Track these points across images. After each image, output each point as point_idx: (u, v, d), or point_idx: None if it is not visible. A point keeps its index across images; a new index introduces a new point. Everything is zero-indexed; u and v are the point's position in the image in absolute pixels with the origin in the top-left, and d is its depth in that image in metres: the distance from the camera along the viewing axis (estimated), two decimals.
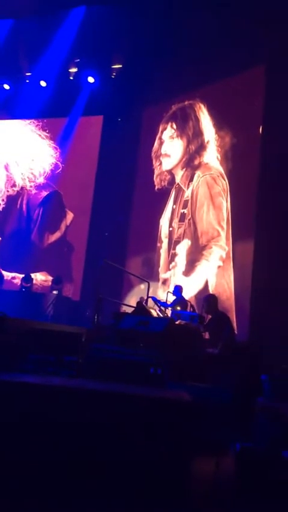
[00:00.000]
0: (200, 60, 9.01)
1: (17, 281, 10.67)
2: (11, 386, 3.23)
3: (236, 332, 6.68)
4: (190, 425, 2.90)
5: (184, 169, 9.96)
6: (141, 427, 2.95)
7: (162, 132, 10.55)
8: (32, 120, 12.02)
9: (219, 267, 8.73)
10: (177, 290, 7.27)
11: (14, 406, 3.05)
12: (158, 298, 7.22)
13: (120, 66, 10.44)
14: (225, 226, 8.84)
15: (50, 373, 4.08)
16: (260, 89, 8.53)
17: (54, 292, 9.05)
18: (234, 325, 7.03)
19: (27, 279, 10.18)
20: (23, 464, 2.80)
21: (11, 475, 2.74)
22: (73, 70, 10.84)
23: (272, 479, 3.07)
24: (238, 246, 8.55)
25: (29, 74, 11.10)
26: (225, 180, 9.08)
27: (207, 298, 5.58)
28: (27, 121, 12.08)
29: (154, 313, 5.66)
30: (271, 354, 5.75)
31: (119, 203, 10.80)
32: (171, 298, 7.25)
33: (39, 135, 11.99)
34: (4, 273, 10.51)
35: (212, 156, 9.43)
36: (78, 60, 10.61)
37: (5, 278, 10.48)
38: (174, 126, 10.36)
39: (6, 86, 11.43)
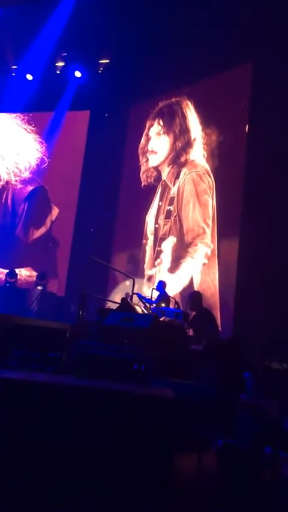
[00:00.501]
0: (187, 57, 9.01)
1: (1, 276, 10.57)
2: None
3: (220, 329, 6.73)
4: (173, 422, 2.91)
5: (170, 166, 9.96)
6: (124, 423, 2.95)
7: (149, 129, 10.54)
8: (18, 114, 11.88)
9: (204, 264, 8.78)
10: (161, 286, 7.28)
11: None
12: (143, 295, 7.23)
13: (108, 61, 10.38)
14: (210, 223, 8.88)
15: (34, 369, 4.05)
16: (246, 87, 8.56)
17: (39, 287, 8.99)
18: (219, 322, 7.08)
19: (12, 275, 10.08)
20: (6, 460, 2.78)
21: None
22: (60, 64, 10.74)
23: (254, 476, 3.10)
24: (223, 243, 8.59)
25: (15, 67, 10.96)
26: (211, 178, 9.11)
27: (191, 295, 5.62)
28: (13, 114, 11.93)
29: (139, 310, 5.65)
30: (254, 351, 5.81)
31: (105, 199, 10.76)
32: (156, 294, 7.26)
33: (25, 129, 11.86)
34: None
35: (198, 154, 9.45)
36: (66, 54, 10.51)
37: None
38: (161, 122, 10.35)
39: None
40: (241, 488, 2.98)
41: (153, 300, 6.91)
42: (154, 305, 6.47)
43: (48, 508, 2.44)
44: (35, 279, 10.07)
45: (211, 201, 8.98)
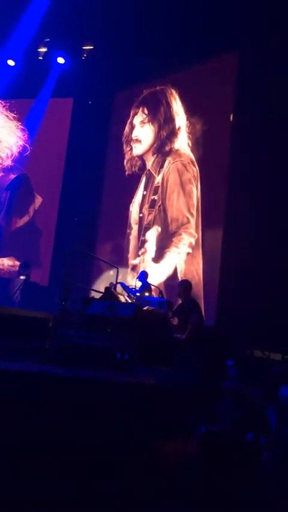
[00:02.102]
0: (173, 45, 8.92)
1: None
2: None
3: (204, 318, 6.77)
4: (156, 409, 2.92)
5: (155, 155, 9.90)
6: (106, 411, 2.95)
7: (133, 117, 10.44)
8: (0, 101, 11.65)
9: (188, 253, 8.79)
10: (143, 276, 7.29)
11: None
12: (126, 284, 7.22)
13: (92, 47, 10.20)
14: (195, 213, 8.88)
15: (16, 359, 4.01)
16: (231, 76, 8.54)
17: (22, 277, 8.89)
18: (203, 311, 7.11)
19: None
20: None
21: None
22: (43, 50, 10.52)
23: (236, 461, 3.13)
24: (207, 233, 8.62)
25: None
26: (195, 167, 9.09)
27: (182, 283, 5.71)
28: None
29: (122, 299, 5.65)
30: (238, 340, 5.87)
31: (89, 188, 10.67)
32: (139, 284, 7.27)
33: (7, 116, 11.62)
34: None
35: (183, 143, 9.42)
36: (48, 40, 10.31)
37: None
38: (146, 111, 10.26)
39: None
40: (223, 473, 3.01)
41: (137, 289, 6.91)
42: (137, 294, 6.46)
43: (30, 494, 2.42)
44: (17, 268, 9.96)
45: (195, 191, 8.97)
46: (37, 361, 3.98)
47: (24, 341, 4.24)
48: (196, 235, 8.76)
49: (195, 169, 9.09)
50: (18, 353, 4.10)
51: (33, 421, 2.90)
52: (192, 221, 8.88)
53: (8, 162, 11.50)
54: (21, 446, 2.68)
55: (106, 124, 10.89)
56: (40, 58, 10.60)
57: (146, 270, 7.82)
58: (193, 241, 8.77)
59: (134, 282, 7.57)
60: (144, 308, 5.38)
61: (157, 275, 8.89)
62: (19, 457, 2.67)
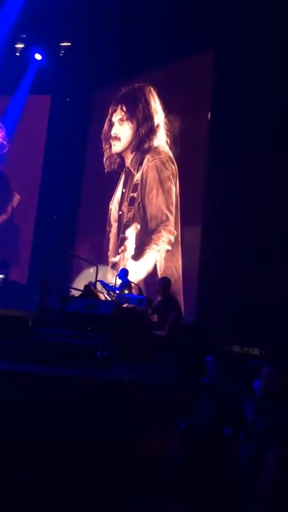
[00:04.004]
0: (150, 42, 8.92)
1: None
2: None
3: (183, 315, 6.83)
4: (135, 406, 2.95)
5: (134, 153, 9.91)
6: (86, 409, 2.96)
7: (111, 115, 10.42)
8: None
9: (167, 251, 8.84)
10: (123, 273, 7.31)
11: None
12: (106, 282, 7.22)
13: (69, 44, 10.13)
14: (174, 210, 8.93)
15: None
16: (209, 73, 8.60)
17: (0, 276, 8.80)
18: (182, 307, 7.17)
19: None
20: None
21: None
22: (20, 46, 10.40)
23: (214, 456, 3.19)
24: (186, 230, 8.68)
25: None
26: (174, 165, 9.13)
27: (161, 280, 5.78)
28: None
29: (102, 297, 5.65)
30: (216, 336, 5.94)
31: (68, 186, 10.61)
32: (119, 282, 7.29)
33: None
34: None
35: (161, 140, 9.45)
36: (25, 35, 10.19)
37: None
38: (124, 108, 10.25)
39: None
40: (203, 467, 3.06)
41: (117, 287, 6.93)
42: (117, 292, 6.48)
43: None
44: None
45: (174, 188, 9.02)
46: (16, 360, 3.97)
47: (3, 340, 4.22)
48: (175, 233, 8.81)
49: (173, 167, 9.14)
50: None
51: (13, 419, 2.90)
52: (172, 218, 8.93)
53: None
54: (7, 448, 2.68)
55: (85, 121, 10.84)
56: (17, 54, 10.47)
57: (126, 268, 7.84)
58: (172, 238, 8.82)
59: (114, 280, 7.58)
60: (124, 305, 5.40)
61: (137, 272, 8.91)
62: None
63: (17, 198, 11.05)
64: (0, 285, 8.41)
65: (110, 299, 5.93)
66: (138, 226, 9.46)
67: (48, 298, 5.63)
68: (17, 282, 9.44)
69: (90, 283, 6.43)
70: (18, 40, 10.28)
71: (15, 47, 10.41)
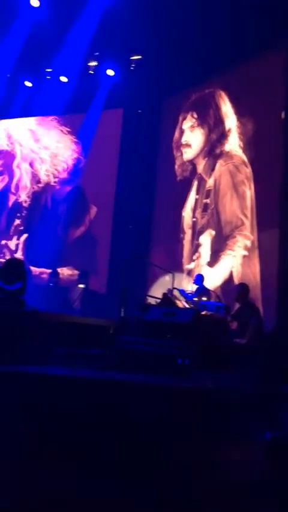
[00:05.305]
0: (219, 47, 8.88)
1: (45, 276, 10.85)
2: (42, 378, 3.33)
3: (263, 321, 6.65)
4: (216, 415, 2.93)
5: (206, 159, 9.87)
6: (168, 417, 2.99)
7: (182, 122, 10.48)
8: (54, 117, 12.13)
9: (244, 256, 8.66)
10: (199, 279, 7.28)
11: (44, 397, 3.14)
12: (184, 290, 7.24)
13: (140, 57, 10.38)
14: (249, 215, 8.75)
15: (78, 365, 4.16)
16: (280, 73, 8.36)
17: (81, 286, 9.17)
18: (262, 314, 6.98)
19: (54, 274, 10.34)
20: (52, 454, 2.88)
21: (46, 462, 2.82)
22: (93, 64, 10.83)
23: None
24: (263, 234, 8.45)
25: (50, 70, 11.16)
26: (248, 168, 8.96)
27: (239, 286, 5.68)
28: (50, 117, 12.19)
29: (180, 305, 5.68)
30: None
31: (142, 195, 10.81)
32: (195, 288, 7.27)
33: (62, 131, 12.08)
34: (32, 268, 10.70)
35: (234, 144, 9.32)
36: (98, 53, 10.60)
37: (33, 273, 10.68)
38: (195, 115, 10.27)
39: (29, 84, 11.54)
40: None
41: (193, 294, 6.92)
42: (195, 299, 6.47)
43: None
44: (76, 277, 10.28)
45: (249, 192, 8.84)
46: (99, 368, 4.12)
47: (86, 348, 4.39)
48: (252, 237, 8.62)
49: (247, 170, 8.97)
50: (81, 360, 4.26)
51: (99, 424, 3.00)
52: (247, 223, 8.75)
53: (64, 175, 11.93)
54: (93, 452, 2.78)
55: (156, 131, 11.01)
56: (91, 72, 10.92)
57: (203, 274, 7.80)
58: (248, 243, 8.63)
59: (190, 287, 7.58)
60: (202, 313, 5.39)
61: (213, 279, 8.83)
62: (88, 458, 2.78)
63: (94, 210, 11.46)
64: (81, 295, 8.75)
65: (188, 306, 5.94)
66: (213, 232, 9.38)
67: (127, 307, 5.78)
68: (96, 291, 9.78)
69: (168, 290, 6.49)
70: (91, 58, 10.71)
71: (89, 65, 10.86)
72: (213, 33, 8.76)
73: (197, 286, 7.26)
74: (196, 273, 9.03)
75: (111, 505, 2.29)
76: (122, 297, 5.91)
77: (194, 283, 7.32)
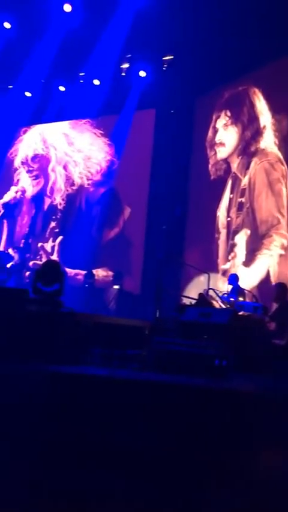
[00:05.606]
0: (251, 43, 8.74)
1: (80, 277, 10.98)
2: (80, 378, 3.35)
3: None
4: (255, 418, 2.86)
5: (240, 157, 9.74)
6: (207, 419, 2.95)
7: (215, 121, 10.37)
8: (87, 120, 12.27)
9: (280, 255, 8.48)
10: (233, 279, 7.18)
11: (82, 397, 3.16)
12: (218, 290, 7.16)
13: (172, 57, 10.35)
14: (285, 213, 8.56)
15: (115, 366, 4.18)
16: None
17: (116, 286, 9.23)
18: None
19: (90, 275, 10.45)
20: (94, 454, 2.89)
21: (87, 464, 2.84)
22: (125, 66, 10.89)
23: None
24: None
25: (83, 73, 11.30)
26: (283, 166, 8.77)
27: (277, 286, 5.57)
28: (83, 120, 12.35)
29: (216, 305, 5.62)
30: None
31: (175, 195, 10.76)
32: (230, 288, 7.18)
33: (95, 134, 12.21)
34: (67, 269, 10.85)
35: (269, 142, 9.15)
36: (130, 55, 10.64)
37: (69, 275, 10.83)
38: (228, 113, 10.14)
39: (62, 88, 11.72)
40: None
41: (227, 294, 6.84)
42: (231, 300, 6.39)
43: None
44: (111, 278, 10.35)
45: (285, 190, 8.65)
46: (136, 368, 4.11)
47: (122, 349, 4.40)
48: None
49: (283, 168, 8.78)
50: (116, 361, 4.27)
51: (137, 426, 2.99)
52: (283, 221, 8.56)
53: (98, 177, 12.04)
54: (130, 452, 2.78)
55: (189, 131, 10.94)
56: (123, 74, 10.98)
57: (237, 274, 7.69)
58: (285, 242, 8.45)
59: (226, 287, 7.49)
60: (240, 313, 5.31)
61: (249, 279, 8.68)
62: (131, 460, 2.77)
63: (127, 211, 11.51)
64: (116, 296, 8.80)
65: (224, 307, 5.87)
66: (248, 232, 9.23)
67: (162, 308, 5.76)
68: (131, 292, 9.81)
69: (204, 291, 6.44)
70: (123, 61, 10.77)
71: (121, 68, 10.92)
72: (246, 29, 8.63)
73: (231, 286, 7.16)
74: (232, 273, 8.91)
75: (156, 505, 2.28)
76: (156, 297, 5.90)
77: (228, 283, 7.23)
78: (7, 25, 10.07)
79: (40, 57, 10.46)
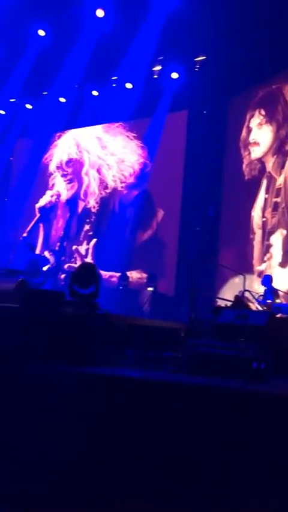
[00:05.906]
0: (284, 41, 8.58)
1: (114, 279, 11.05)
2: (115, 380, 3.37)
3: None
4: None
5: (275, 157, 9.56)
6: (245, 422, 2.90)
7: (249, 120, 10.23)
8: (120, 123, 12.36)
9: None
10: (267, 280, 7.05)
11: (118, 399, 3.17)
12: (254, 291, 7.05)
13: (204, 57, 10.28)
14: None
15: (150, 368, 4.17)
16: None
17: (150, 288, 9.24)
18: None
19: (124, 278, 10.51)
20: (126, 455, 2.89)
21: (113, 466, 2.84)
22: (157, 68, 10.90)
23: None
24: None
25: (115, 77, 11.39)
26: None
27: None
28: (116, 124, 12.44)
29: (253, 307, 5.53)
30: None
31: (209, 196, 10.67)
32: (263, 289, 7.06)
33: (128, 137, 12.28)
34: (102, 272, 10.94)
35: None
36: (162, 57, 10.65)
37: (103, 277, 10.91)
38: (263, 112, 9.99)
39: (95, 93, 11.86)
40: None
41: (263, 296, 6.73)
42: (268, 301, 6.27)
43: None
44: (145, 280, 10.36)
45: None
46: (172, 371, 4.09)
47: (157, 351, 4.38)
48: None
49: None
50: (151, 363, 4.26)
51: (171, 428, 2.97)
52: None
53: (131, 180, 12.10)
54: (170, 456, 2.76)
55: (222, 131, 10.83)
56: (155, 76, 10.99)
57: (271, 275, 7.54)
58: None
59: (261, 289, 7.36)
60: (277, 315, 5.20)
61: (286, 280, 8.50)
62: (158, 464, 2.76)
63: (161, 214, 11.50)
64: (150, 298, 8.81)
65: (261, 309, 5.77)
66: (284, 232, 9.05)
67: (197, 309, 5.71)
68: (165, 294, 9.79)
69: (239, 292, 6.35)
70: (155, 63, 10.79)
71: (153, 70, 10.94)
72: (278, 27, 8.49)
73: (265, 288, 7.03)
74: (267, 274, 8.75)
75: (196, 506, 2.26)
76: (191, 299, 5.85)
77: (262, 284, 7.10)
78: (41, 33, 10.28)
79: (73, 62, 10.62)
